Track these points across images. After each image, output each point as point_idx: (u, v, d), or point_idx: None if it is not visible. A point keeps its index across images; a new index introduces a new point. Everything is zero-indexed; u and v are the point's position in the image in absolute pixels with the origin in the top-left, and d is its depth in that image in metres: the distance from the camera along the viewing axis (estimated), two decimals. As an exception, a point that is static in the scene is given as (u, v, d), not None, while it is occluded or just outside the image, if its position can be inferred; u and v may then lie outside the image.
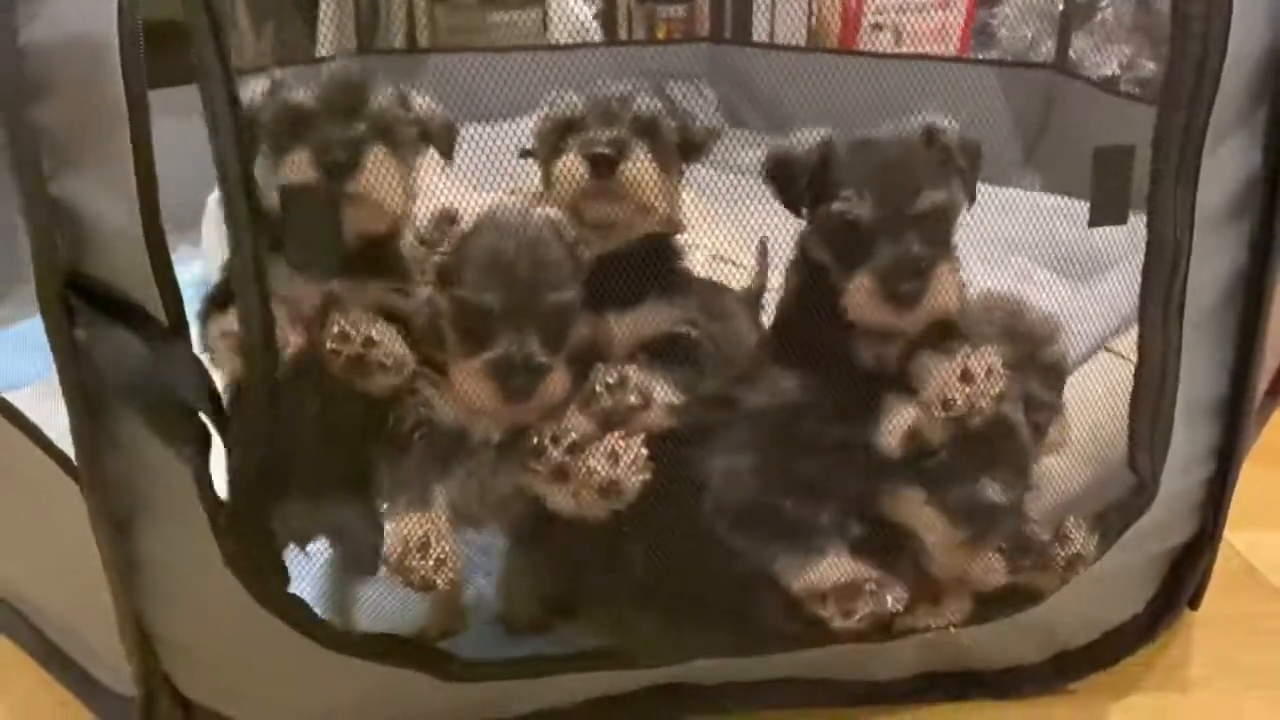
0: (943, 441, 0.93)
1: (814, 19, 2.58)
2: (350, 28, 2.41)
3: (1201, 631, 1.27)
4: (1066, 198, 1.04)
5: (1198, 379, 1.05)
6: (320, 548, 1.07)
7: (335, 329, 0.90)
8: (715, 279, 1.20)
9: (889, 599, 0.97)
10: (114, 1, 0.76)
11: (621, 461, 0.91)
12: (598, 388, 0.92)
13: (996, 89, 2.17)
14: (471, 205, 0.96)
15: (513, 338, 0.90)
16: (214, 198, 0.84)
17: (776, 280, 1.07)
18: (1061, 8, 2.17)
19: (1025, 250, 1.20)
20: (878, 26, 2.51)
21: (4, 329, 1.30)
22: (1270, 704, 1.17)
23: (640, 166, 0.94)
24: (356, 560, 1.05)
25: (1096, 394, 1.08)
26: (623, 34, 2.69)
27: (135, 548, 0.91)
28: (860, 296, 0.92)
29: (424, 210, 0.97)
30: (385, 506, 0.95)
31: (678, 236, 1.04)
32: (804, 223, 1.00)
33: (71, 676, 1.10)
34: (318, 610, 0.97)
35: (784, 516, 0.98)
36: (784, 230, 1.01)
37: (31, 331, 0.84)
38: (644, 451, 0.92)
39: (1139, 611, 1.21)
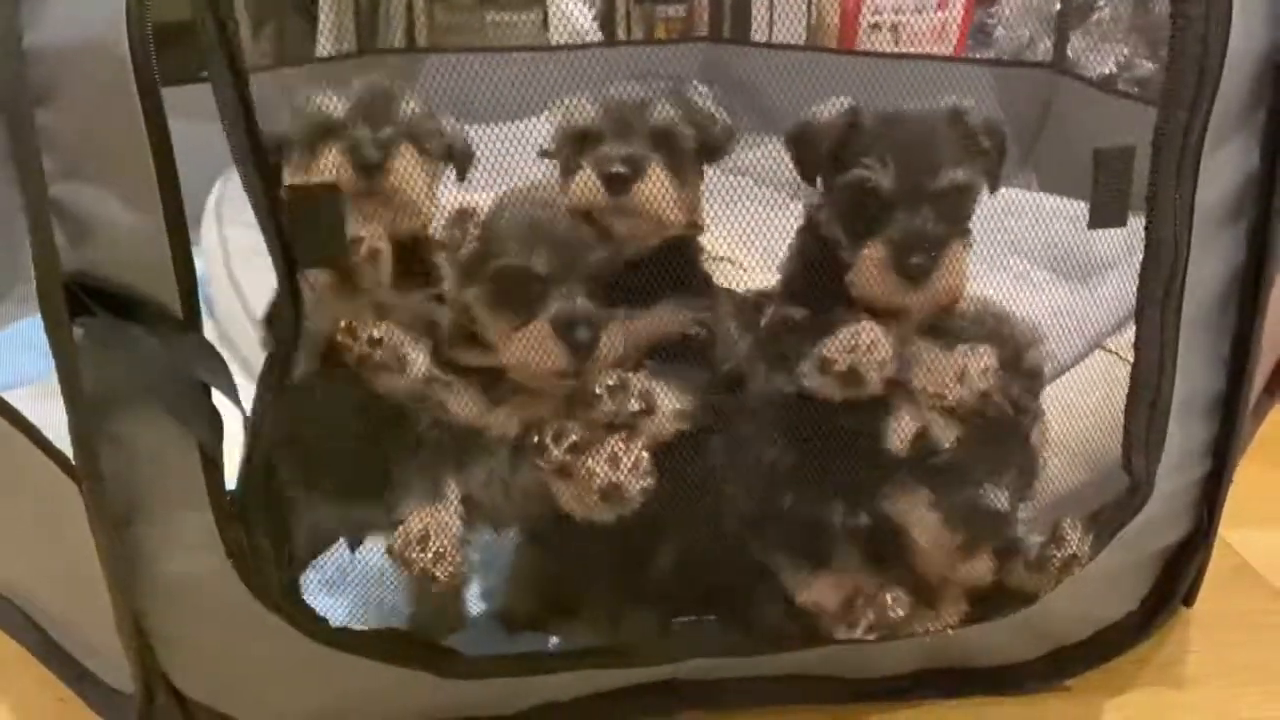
0: (949, 440, 0.93)
1: (813, 19, 2.59)
2: (350, 27, 2.41)
3: (1197, 628, 1.27)
4: (1064, 198, 1.04)
5: (1194, 377, 1.05)
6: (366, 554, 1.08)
7: (343, 324, 0.92)
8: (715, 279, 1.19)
9: (892, 606, 0.97)
10: (122, 4, 0.75)
11: (622, 465, 0.91)
12: (598, 389, 0.92)
13: (994, 88, 2.17)
14: (472, 205, 0.96)
15: (563, 296, 0.91)
16: (214, 198, 0.84)
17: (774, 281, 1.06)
18: (1059, 7, 2.17)
19: (1024, 251, 1.20)
20: (876, 26, 2.51)
21: (3, 329, 1.30)
22: (1265, 700, 1.17)
23: (654, 185, 0.93)
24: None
25: (1092, 394, 1.09)
26: (621, 34, 2.69)
27: (133, 546, 0.91)
28: (869, 267, 0.91)
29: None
30: (393, 498, 0.96)
31: (698, 238, 1.03)
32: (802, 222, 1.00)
33: (71, 673, 1.10)
34: (359, 619, 0.99)
35: (789, 516, 0.98)
36: (783, 230, 1.01)
37: (31, 331, 0.85)
38: (645, 455, 0.92)
39: (1134, 609, 1.21)
